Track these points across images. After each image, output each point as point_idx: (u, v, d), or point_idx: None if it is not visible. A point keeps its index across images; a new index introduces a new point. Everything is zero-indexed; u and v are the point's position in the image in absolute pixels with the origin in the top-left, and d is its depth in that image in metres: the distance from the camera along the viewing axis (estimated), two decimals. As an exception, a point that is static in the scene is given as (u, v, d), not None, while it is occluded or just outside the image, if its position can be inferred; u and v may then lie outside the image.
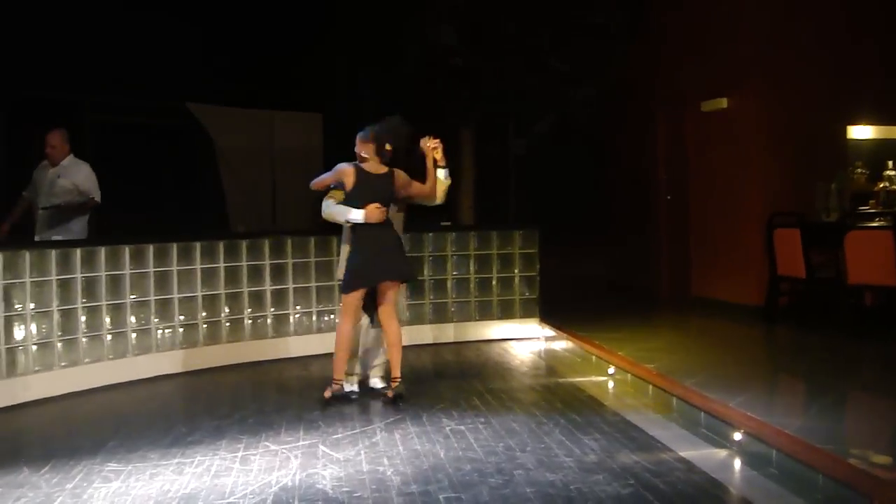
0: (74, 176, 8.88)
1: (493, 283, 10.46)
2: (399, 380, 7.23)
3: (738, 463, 5.45)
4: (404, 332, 7.41)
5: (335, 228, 7.55)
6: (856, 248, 8.81)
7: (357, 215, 6.97)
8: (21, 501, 4.97)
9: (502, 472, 5.24)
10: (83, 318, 8.04)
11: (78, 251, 8.02)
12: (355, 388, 7.53)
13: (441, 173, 7.42)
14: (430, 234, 10.19)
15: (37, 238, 8.69)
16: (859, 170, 11.05)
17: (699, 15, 11.75)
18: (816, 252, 9.42)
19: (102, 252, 8.20)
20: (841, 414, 6.31)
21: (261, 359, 9.28)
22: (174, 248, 8.79)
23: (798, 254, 9.41)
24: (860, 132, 11.28)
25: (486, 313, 10.47)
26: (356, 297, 7.12)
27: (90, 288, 8.11)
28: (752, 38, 10.83)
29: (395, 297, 7.24)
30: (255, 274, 9.38)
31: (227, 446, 6.01)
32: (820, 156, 10.61)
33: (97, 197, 8.93)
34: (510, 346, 10.06)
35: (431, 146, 7.37)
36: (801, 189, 10.46)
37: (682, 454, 5.56)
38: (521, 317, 10.53)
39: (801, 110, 10.60)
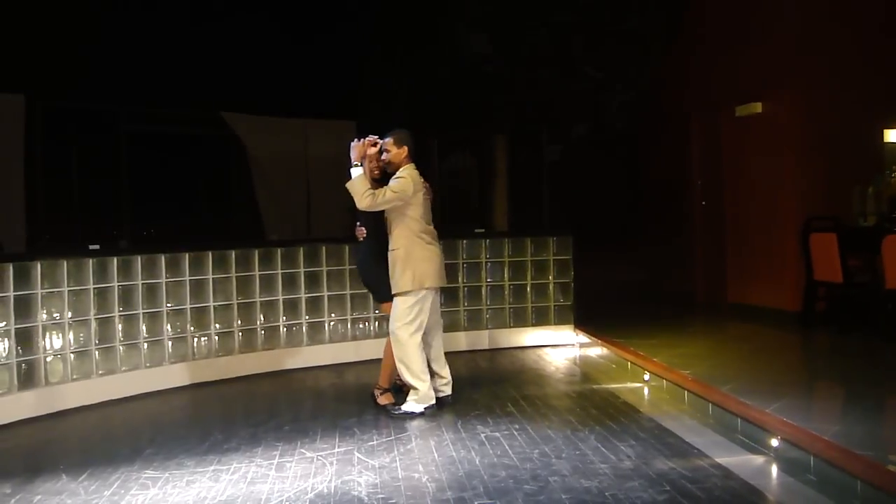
0: None
1: (528, 289, 10.45)
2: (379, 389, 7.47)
3: (775, 469, 5.41)
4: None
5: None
6: (893, 253, 8.70)
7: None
8: (60, 508, 5.04)
9: (537, 479, 5.24)
10: (120, 327, 8.12)
11: (115, 260, 8.09)
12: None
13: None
14: (465, 241, 10.19)
15: None
16: (896, 174, 10.94)
17: (733, 19, 11.68)
18: (853, 257, 9.32)
19: (139, 261, 8.28)
20: (879, 420, 6.23)
21: (296, 366, 9.34)
22: (209, 256, 8.87)
23: (835, 258, 9.31)
24: (897, 135, 11.17)
25: (520, 320, 10.46)
26: None
27: (127, 297, 8.19)
28: (786, 42, 10.74)
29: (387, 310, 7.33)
30: (290, 282, 9.44)
31: (263, 453, 6.05)
32: (856, 159, 10.48)
33: None
34: (545, 352, 10.04)
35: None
36: (838, 193, 10.34)
37: (719, 460, 5.53)
38: (556, 323, 10.51)
39: (837, 114, 10.48)
